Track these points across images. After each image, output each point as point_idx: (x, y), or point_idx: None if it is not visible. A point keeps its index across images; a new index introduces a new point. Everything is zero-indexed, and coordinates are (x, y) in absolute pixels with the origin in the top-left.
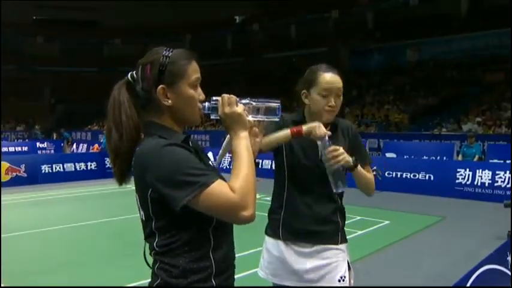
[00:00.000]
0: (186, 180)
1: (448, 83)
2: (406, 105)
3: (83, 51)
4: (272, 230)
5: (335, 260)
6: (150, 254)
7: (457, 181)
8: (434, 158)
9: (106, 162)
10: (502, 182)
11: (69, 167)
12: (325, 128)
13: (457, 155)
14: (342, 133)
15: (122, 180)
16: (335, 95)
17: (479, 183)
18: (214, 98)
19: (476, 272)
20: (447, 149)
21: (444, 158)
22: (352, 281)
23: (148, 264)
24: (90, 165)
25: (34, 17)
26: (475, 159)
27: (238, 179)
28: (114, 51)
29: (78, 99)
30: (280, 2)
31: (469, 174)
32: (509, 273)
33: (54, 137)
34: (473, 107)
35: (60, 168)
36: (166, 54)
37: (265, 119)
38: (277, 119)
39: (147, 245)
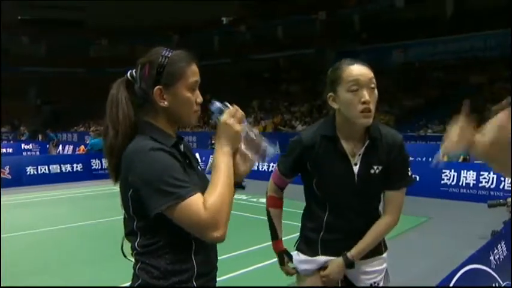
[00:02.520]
0: (164, 189)
1: (434, 85)
2: (391, 107)
3: (69, 52)
4: (309, 249)
5: (374, 270)
6: (132, 254)
7: (442, 182)
8: (420, 159)
9: (92, 163)
10: (486, 182)
11: (54, 168)
12: (363, 142)
13: (443, 156)
14: (384, 150)
15: (117, 177)
16: (367, 87)
17: (463, 184)
18: (227, 103)
19: (459, 272)
20: (433, 150)
21: (430, 159)
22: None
23: (125, 255)
24: (76, 166)
25: (19, 17)
26: (460, 160)
27: (213, 196)
28: (100, 52)
29: (64, 100)
30: (267, 3)
31: (454, 175)
32: (492, 273)
33: (40, 138)
34: (459, 109)
35: (45, 169)
36: (165, 54)
37: (250, 154)
38: (260, 162)
39: (128, 244)
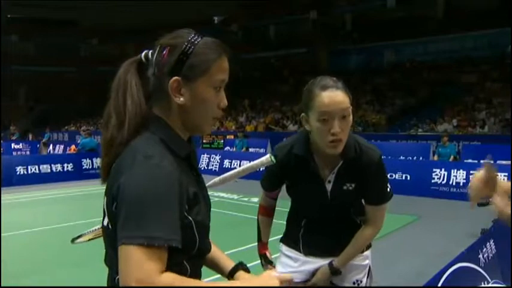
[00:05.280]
0: (143, 219)
1: (425, 84)
2: (383, 106)
3: (59, 51)
4: (292, 242)
5: (355, 263)
6: (114, 274)
7: (432, 181)
8: (411, 158)
9: (83, 163)
10: None
11: (45, 168)
12: (337, 162)
13: (433, 155)
14: (359, 168)
15: (107, 177)
16: (338, 117)
17: (454, 183)
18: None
19: (449, 270)
20: (423, 149)
21: (421, 158)
22: None
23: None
24: (67, 166)
25: (8, 15)
26: (451, 159)
27: (172, 282)
28: (91, 51)
29: (54, 100)
30: (258, 2)
31: (444, 174)
32: (481, 271)
33: (30, 138)
34: (449, 108)
35: (35, 169)
36: (192, 40)
37: None
38: None
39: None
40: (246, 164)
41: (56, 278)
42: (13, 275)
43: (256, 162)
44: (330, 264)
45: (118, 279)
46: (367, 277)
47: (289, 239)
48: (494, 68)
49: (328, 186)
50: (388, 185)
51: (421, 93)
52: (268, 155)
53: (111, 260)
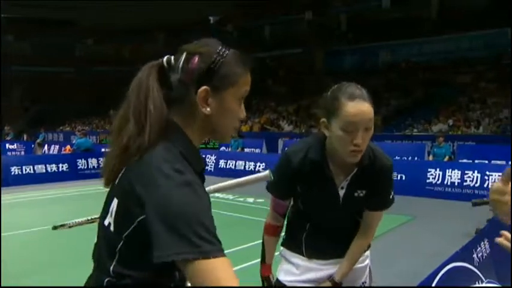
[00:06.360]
0: (187, 236)
1: (420, 85)
2: (378, 107)
3: (55, 51)
4: (294, 245)
5: (358, 267)
6: (103, 276)
7: (427, 181)
8: (406, 158)
9: (78, 163)
10: (470, 181)
11: (40, 168)
12: (352, 168)
13: (428, 155)
14: (371, 176)
15: (111, 182)
16: (362, 128)
17: (449, 183)
18: None
19: (443, 270)
20: (419, 150)
21: (416, 158)
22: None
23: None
24: (62, 166)
25: (3, 15)
26: (446, 159)
27: None
28: (86, 51)
29: (50, 100)
30: (254, 2)
31: (439, 174)
32: (475, 270)
33: (25, 138)
34: (444, 108)
35: (30, 170)
36: (222, 51)
37: None
38: None
39: (102, 259)
40: (243, 178)
41: (55, 278)
42: (12, 275)
43: (253, 176)
44: (332, 280)
45: (108, 281)
46: (369, 277)
47: (291, 242)
48: (489, 68)
49: (341, 193)
50: (392, 192)
51: (416, 94)
52: (267, 171)
53: (103, 260)
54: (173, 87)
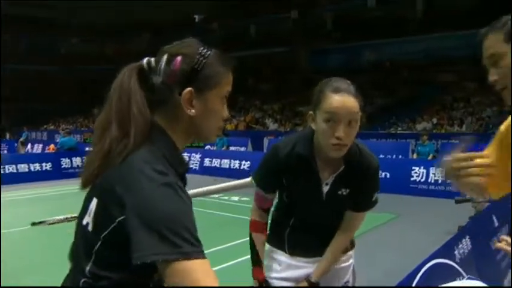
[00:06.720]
0: (168, 236)
1: (404, 84)
2: (363, 105)
3: (39, 49)
4: (276, 239)
5: (341, 266)
6: (79, 276)
7: (411, 179)
8: (390, 156)
9: (62, 162)
10: None
11: (22, 167)
12: (339, 165)
13: (413, 154)
14: (357, 175)
15: (89, 184)
16: (345, 122)
17: (432, 181)
18: None
19: (425, 267)
20: (403, 148)
21: (400, 157)
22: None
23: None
24: (46, 165)
25: None
26: (430, 157)
27: None
28: (72, 50)
29: (33, 98)
30: (239, 1)
31: (423, 172)
32: (456, 266)
33: (8, 137)
34: (428, 107)
35: (13, 169)
36: (204, 52)
37: None
38: None
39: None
40: (225, 183)
41: (39, 279)
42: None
43: (236, 183)
44: (309, 280)
45: (84, 281)
46: (352, 276)
47: (273, 238)
48: (473, 67)
49: (325, 189)
50: (376, 195)
51: (400, 93)
52: (249, 178)
53: (80, 260)
54: (155, 90)
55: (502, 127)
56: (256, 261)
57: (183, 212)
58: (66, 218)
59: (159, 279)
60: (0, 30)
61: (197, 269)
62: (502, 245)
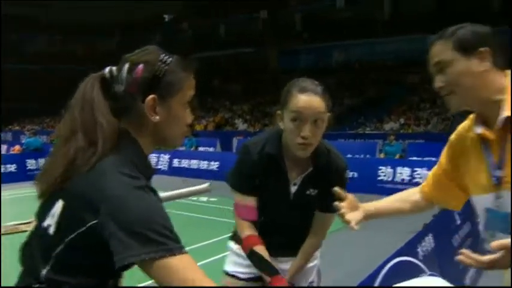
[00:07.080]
0: (148, 235)
1: (372, 84)
2: (331, 105)
3: (2, 47)
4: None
5: (309, 266)
6: (32, 281)
7: (378, 178)
8: (358, 156)
9: (28, 164)
10: (419, 178)
11: None
12: (307, 166)
13: (380, 153)
14: (325, 176)
15: (49, 193)
16: (311, 121)
17: (399, 180)
18: None
19: (388, 265)
20: (370, 148)
21: (367, 156)
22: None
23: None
24: (10, 167)
25: None
26: (396, 157)
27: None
28: (38, 48)
29: None
30: (209, 1)
31: (390, 172)
32: (419, 264)
33: None
34: (395, 107)
35: None
36: (165, 59)
37: None
38: None
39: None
40: (184, 189)
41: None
42: None
43: (193, 189)
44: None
45: (38, 287)
46: (318, 277)
47: (240, 238)
48: None
49: (293, 189)
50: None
51: (368, 93)
52: (207, 184)
53: (34, 264)
54: (118, 98)
55: (453, 136)
56: (273, 270)
57: (159, 212)
58: (15, 224)
59: (116, 285)
60: (0, 29)
61: (185, 265)
62: (463, 258)
